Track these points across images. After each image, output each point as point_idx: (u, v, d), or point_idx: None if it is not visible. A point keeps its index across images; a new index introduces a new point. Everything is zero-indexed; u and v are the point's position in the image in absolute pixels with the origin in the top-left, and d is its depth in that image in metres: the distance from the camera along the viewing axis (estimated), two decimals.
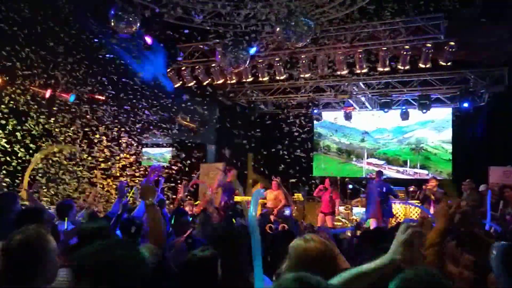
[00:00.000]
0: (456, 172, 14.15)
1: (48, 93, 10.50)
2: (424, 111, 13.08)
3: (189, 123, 13.61)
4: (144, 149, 16.72)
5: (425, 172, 15.14)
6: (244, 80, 11.97)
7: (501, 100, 12.32)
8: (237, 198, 11.24)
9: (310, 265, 1.83)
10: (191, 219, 5.49)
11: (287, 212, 10.30)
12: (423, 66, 10.42)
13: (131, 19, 8.24)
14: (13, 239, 2.15)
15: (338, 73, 11.12)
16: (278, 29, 8.49)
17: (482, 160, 12.45)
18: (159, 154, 16.99)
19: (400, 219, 12.00)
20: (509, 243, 2.49)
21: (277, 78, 11.73)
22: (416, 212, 11.93)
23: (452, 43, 9.79)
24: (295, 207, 12.37)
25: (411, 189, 12.68)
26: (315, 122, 15.82)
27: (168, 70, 11.86)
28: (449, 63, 10.30)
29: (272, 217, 9.10)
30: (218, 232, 3.24)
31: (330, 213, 11.30)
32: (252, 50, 10.19)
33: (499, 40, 10.15)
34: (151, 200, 3.10)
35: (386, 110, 13.49)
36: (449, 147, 14.95)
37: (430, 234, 2.44)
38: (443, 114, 14.79)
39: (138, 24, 8.50)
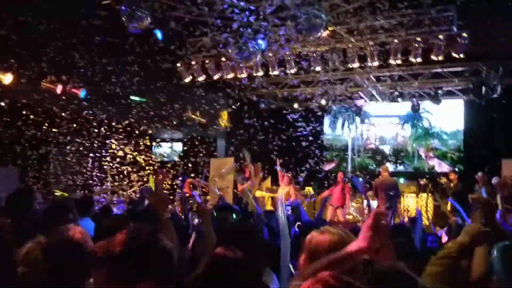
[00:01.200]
0: (468, 165, 14.06)
1: (59, 89, 10.55)
2: (436, 103, 12.99)
3: (199, 118, 13.62)
4: (155, 144, 16.84)
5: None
6: (254, 74, 11.92)
7: None
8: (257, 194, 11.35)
9: (323, 256, 1.80)
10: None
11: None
12: (435, 58, 10.31)
13: (142, 14, 8.24)
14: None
15: (350, 66, 11.04)
16: (289, 22, 8.44)
17: (494, 152, 12.35)
18: (169, 148, 17.10)
19: (411, 213, 11.97)
20: (509, 243, 2.46)
21: (288, 71, 11.66)
22: (429, 204, 11.86)
23: (465, 35, 9.68)
24: (306, 202, 12.39)
25: (422, 182, 12.61)
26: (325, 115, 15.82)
27: (178, 65, 11.87)
28: (461, 55, 10.19)
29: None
30: (236, 228, 3.22)
31: (341, 207, 11.31)
32: (263, 44, 10.14)
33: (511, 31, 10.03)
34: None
35: (397, 102, 13.42)
36: (461, 137, 14.91)
37: (449, 244, 2.27)
38: (454, 105, 14.67)
39: (149, 20, 8.50)
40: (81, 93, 10.88)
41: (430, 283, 2.04)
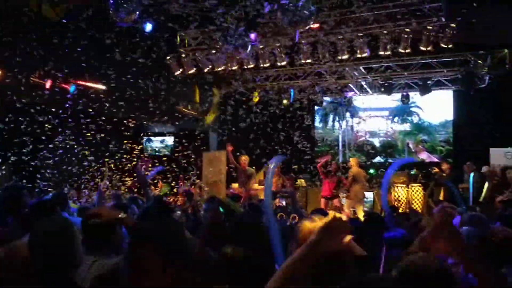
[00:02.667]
0: (457, 154, 14.20)
1: (48, 84, 10.49)
2: (425, 94, 13.10)
3: (191, 111, 13.61)
4: (145, 138, 16.79)
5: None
6: (245, 67, 11.92)
7: (502, 82, 12.31)
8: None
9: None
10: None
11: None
12: (424, 49, 10.38)
13: (131, 7, 8.19)
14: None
15: (339, 57, 11.08)
16: (279, 14, 8.45)
17: (483, 142, 12.48)
18: (160, 142, 17.05)
19: (402, 203, 12.10)
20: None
21: (278, 64, 11.68)
22: (419, 196, 11.99)
23: (453, 25, 9.76)
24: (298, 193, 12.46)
25: (413, 172, 12.73)
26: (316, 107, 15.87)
27: (168, 57, 11.84)
28: (450, 46, 10.26)
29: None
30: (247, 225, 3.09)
31: (334, 197, 11.41)
32: (253, 36, 10.14)
33: (500, 22, 10.12)
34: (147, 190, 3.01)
35: (387, 93, 13.49)
36: (450, 128, 15.05)
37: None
38: (444, 96, 14.79)
39: (138, 13, 8.46)
40: (71, 88, 10.83)
41: None
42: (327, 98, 16.23)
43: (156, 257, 1.64)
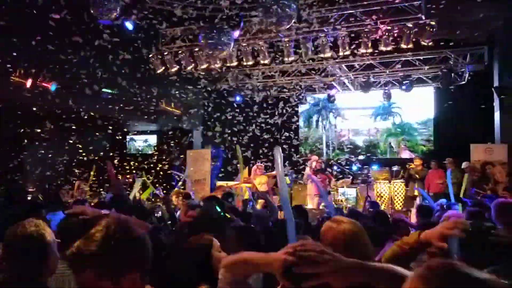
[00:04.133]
0: (438, 150, 14.41)
1: (29, 83, 10.35)
2: (406, 91, 13.28)
3: (174, 109, 13.57)
4: (128, 137, 16.69)
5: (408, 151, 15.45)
6: (228, 65, 11.94)
7: (481, 78, 12.54)
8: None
9: (345, 248, 1.81)
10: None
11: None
12: (404, 46, 10.51)
13: (112, 5, 8.15)
14: (13, 233, 2.14)
15: (322, 55, 11.15)
16: (261, 12, 8.48)
17: (463, 138, 12.69)
18: (144, 141, 16.98)
19: (385, 199, 12.24)
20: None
21: (261, 62, 11.72)
22: (402, 190, 12.14)
23: (433, 23, 9.90)
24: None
25: (395, 168, 12.88)
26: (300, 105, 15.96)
27: (151, 55, 11.79)
28: (430, 43, 10.41)
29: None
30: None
31: (319, 195, 11.54)
32: (236, 34, 10.16)
33: (479, 19, 10.30)
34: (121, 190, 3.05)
35: (368, 91, 13.63)
36: (431, 126, 15.25)
37: (413, 233, 2.12)
38: (425, 94, 14.98)
39: (119, 10, 8.41)
40: (52, 86, 10.70)
41: (384, 263, 2.02)
42: (310, 99, 16.36)
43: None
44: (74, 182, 11.43)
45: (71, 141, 11.26)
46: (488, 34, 11.56)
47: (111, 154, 12.82)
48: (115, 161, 12.83)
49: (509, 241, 2.11)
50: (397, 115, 15.90)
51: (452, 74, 12.50)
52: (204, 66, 11.90)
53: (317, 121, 16.72)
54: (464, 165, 11.38)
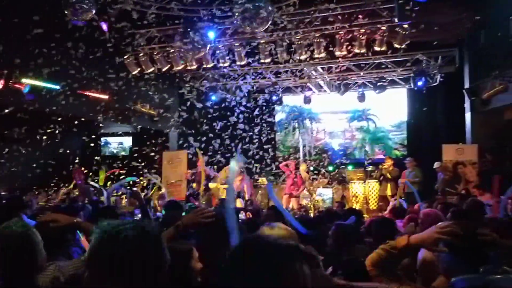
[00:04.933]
0: (411, 151, 14.68)
1: (1, 84, 10.11)
2: (380, 92, 13.51)
3: (149, 110, 13.46)
4: (103, 138, 16.48)
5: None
6: (204, 66, 11.92)
7: (452, 80, 12.85)
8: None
9: None
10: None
11: None
12: (378, 49, 10.70)
13: (86, 6, 8.05)
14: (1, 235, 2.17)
15: (297, 57, 11.25)
16: (237, 14, 8.50)
17: (435, 138, 12.98)
18: (118, 143, 16.78)
19: (360, 199, 12.41)
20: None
21: (238, 63, 11.75)
22: (376, 190, 12.31)
23: (406, 26, 10.10)
24: (260, 191, 12.64)
25: (369, 168, 13.07)
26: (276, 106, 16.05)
27: (126, 56, 11.69)
28: (403, 46, 10.62)
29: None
30: None
31: (295, 195, 11.63)
32: (212, 36, 10.16)
33: (449, 22, 10.56)
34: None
35: (343, 93, 13.81)
36: (404, 127, 15.51)
37: (400, 238, 2.13)
38: (398, 95, 15.23)
39: (94, 11, 8.32)
40: (25, 88, 10.47)
41: (368, 266, 2.12)
42: (286, 102, 16.44)
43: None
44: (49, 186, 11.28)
45: (43, 144, 11.04)
46: (459, 37, 11.85)
47: (77, 158, 12.64)
48: (89, 163, 12.68)
49: (494, 240, 2.15)
50: (372, 121, 16.11)
51: (424, 76, 12.78)
52: (180, 67, 11.86)
53: (294, 127, 16.84)
54: (436, 165, 11.63)
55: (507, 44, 9.88)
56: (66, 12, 7.94)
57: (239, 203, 10.31)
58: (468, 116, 12.34)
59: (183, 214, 4.31)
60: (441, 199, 8.41)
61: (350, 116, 16.20)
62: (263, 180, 13.35)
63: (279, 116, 16.94)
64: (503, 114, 11.67)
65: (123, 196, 10.69)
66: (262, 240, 1.31)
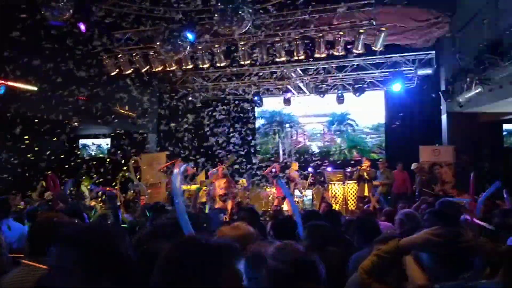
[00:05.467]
0: (389, 154, 14.86)
1: None
2: (358, 94, 13.65)
3: (128, 112, 13.32)
4: (81, 141, 16.25)
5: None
6: (184, 67, 11.87)
7: (429, 82, 13.07)
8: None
9: None
10: None
11: None
12: (356, 51, 10.81)
13: (63, 6, 7.93)
14: None
15: (277, 59, 11.30)
16: (216, 16, 8.49)
17: (412, 140, 13.17)
18: (96, 145, 16.58)
19: (339, 200, 12.51)
20: None
21: (218, 65, 11.72)
22: (355, 191, 12.42)
23: (384, 29, 10.23)
24: (240, 193, 12.62)
25: (348, 170, 13.19)
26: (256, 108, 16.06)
27: (104, 57, 11.55)
28: (381, 48, 10.75)
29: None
30: None
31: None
32: (191, 37, 10.11)
33: (427, 26, 10.76)
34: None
35: (322, 95, 13.91)
36: (382, 130, 15.68)
37: (390, 243, 2.14)
38: (376, 98, 15.40)
39: (71, 11, 8.20)
40: (0, 89, 10.27)
41: (362, 275, 2.13)
42: (266, 104, 16.47)
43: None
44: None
45: (21, 146, 10.84)
46: (435, 40, 12.07)
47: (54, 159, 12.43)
48: (67, 166, 12.50)
49: (476, 246, 2.18)
50: (351, 126, 16.26)
51: (402, 78, 12.97)
52: (159, 68, 11.79)
53: (274, 131, 16.90)
54: (413, 166, 11.81)
55: (481, 47, 10.10)
56: (43, 12, 7.80)
57: (219, 204, 10.34)
58: (444, 118, 12.57)
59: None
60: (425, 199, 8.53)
61: (329, 120, 16.34)
62: (243, 181, 13.34)
63: (259, 121, 16.99)
64: (479, 116, 11.92)
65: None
66: (198, 240, 1.31)
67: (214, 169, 11.90)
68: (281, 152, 16.37)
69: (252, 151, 15.10)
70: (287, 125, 16.59)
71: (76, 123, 12.29)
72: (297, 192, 13.03)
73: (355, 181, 12.41)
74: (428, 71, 12.98)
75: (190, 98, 14.68)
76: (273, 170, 12.39)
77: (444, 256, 2.05)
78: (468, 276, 1.72)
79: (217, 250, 1.25)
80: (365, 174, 11.99)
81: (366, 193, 11.76)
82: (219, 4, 8.41)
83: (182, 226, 2.24)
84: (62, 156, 13.18)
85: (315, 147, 16.68)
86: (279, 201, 11.67)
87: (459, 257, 2.07)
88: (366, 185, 11.90)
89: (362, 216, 5.88)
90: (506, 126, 12.87)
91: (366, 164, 12.24)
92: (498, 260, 2.08)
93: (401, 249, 2.03)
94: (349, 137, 16.31)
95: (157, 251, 2.35)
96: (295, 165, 12.74)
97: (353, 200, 12.45)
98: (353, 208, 12.08)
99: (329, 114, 16.25)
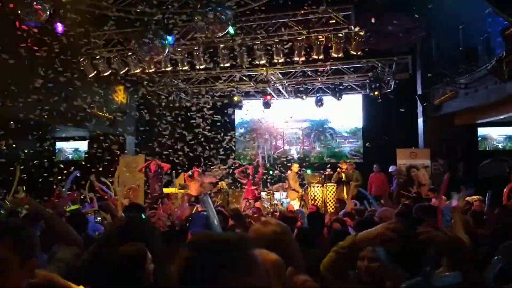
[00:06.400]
0: (367, 155, 15.03)
1: None
2: (338, 98, 13.79)
3: (105, 114, 13.16)
4: (58, 143, 15.98)
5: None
6: (163, 69, 11.80)
7: (405, 86, 13.28)
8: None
9: (267, 246, 1.85)
10: None
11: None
12: (335, 55, 10.92)
13: (40, 6, 7.83)
14: None
15: (257, 62, 11.33)
16: (196, 18, 8.49)
17: (390, 143, 13.35)
18: (73, 148, 16.32)
19: (318, 202, 12.57)
20: None
21: (197, 67, 11.70)
22: (333, 193, 12.51)
23: (362, 33, 10.38)
24: (220, 195, 12.63)
25: (327, 172, 13.27)
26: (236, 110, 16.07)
27: (81, 59, 11.40)
28: (359, 52, 10.89)
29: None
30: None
31: (258, 199, 11.73)
32: (170, 39, 10.08)
33: (403, 30, 10.94)
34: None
35: (302, 98, 14.01)
36: (360, 134, 15.84)
37: (347, 237, 2.14)
38: (354, 102, 15.56)
39: (48, 13, 8.11)
40: None
41: (323, 272, 2.10)
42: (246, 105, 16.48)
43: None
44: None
45: None
46: (411, 45, 12.28)
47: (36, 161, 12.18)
48: (43, 169, 12.25)
49: (431, 237, 2.18)
50: (329, 134, 16.38)
51: (379, 82, 13.15)
52: (138, 70, 11.70)
53: (253, 138, 16.95)
54: (391, 169, 11.98)
55: (457, 52, 10.33)
56: (19, 13, 7.68)
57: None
58: (420, 121, 12.79)
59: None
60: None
61: (308, 125, 16.44)
62: (222, 184, 13.32)
63: (238, 128, 17.05)
64: (454, 119, 12.16)
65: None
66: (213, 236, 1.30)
67: (190, 171, 11.89)
68: (260, 157, 16.42)
69: (232, 155, 15.08)
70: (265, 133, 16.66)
71: (53, 125, 12.08)
72: (277, 195, 13.10)
73: (334, 183, 12.50)
74: (405, 75, 13.19)
75: (169, 100, 14.58)
76: (247, 170, 12.32)
77: (397, 252, 2.06)
78: (427, 272, 1.73)
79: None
80: (343, 176, 12.12)
81: (345, 195, 11.85)
82: (198, 7, 8.42)
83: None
84: (36, 161, 12.92)
85: (294, 151, 16.75)
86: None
87: (414, 251, 2.08)
88: (344, 187, 12.01)
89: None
90: (480, 130, 13.16)
91: (344, 166, 12.36)
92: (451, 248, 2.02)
93: (358, 243, 2.01)
94: (328, 143, 16.42)
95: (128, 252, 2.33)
96: (295, 167, 12.78)
97: (332, 202, 12.53)
98: (332, 210, 12.16)
99: (308, 120, 16.34)
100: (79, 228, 3.43)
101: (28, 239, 1.75)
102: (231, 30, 9.67)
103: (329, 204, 12.57)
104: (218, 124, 14.08)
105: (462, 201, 4.85)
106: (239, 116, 16.69)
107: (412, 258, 2.04)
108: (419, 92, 12.60)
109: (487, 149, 13.10)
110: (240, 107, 15.34)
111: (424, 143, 12.60)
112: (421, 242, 2.02)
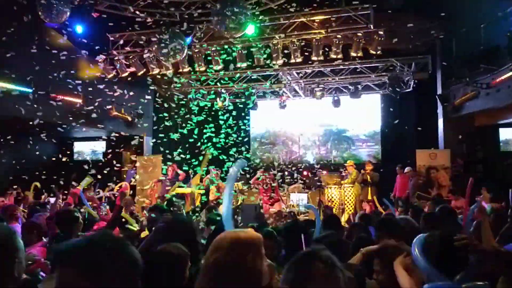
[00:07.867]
0: (386, 156, 14.87)
1: None
2: (355, 98, 13.65)
3: (124, 115, 13.24)
4: (75, 144, 16.13)
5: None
6: (180, 70, 11.82)
7: (425, 86, 13.09)
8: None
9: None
10: None
11: None
12: (354, 54, 10.81)
13: (60, 8, 7.88)
14: None
15: (274, 62, 11.27)
16: (215, 19, 8.47)
17: (408, 144, 13.18)
18: (91, 149, 16.46)
19: (336, 203, 12.46)
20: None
21: (214, 68, 11.69)
22: (351, 194, 12.38)
23: (381, 33, 10.25)
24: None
25: (344, 174, 13.15)
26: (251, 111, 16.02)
27: (100, 60, 11.47)
28: (378, 52, 10.77)
29: None
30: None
31: (277, 201, 11.73)
32: (188, 40, 10.09)
33: (423, 29, 10.80)
34: None
35: (318, 98, 13.90)
36: (378, 137, 15.65)
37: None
38: (372, 101, 15.40)
39: (68, 13, 8.15)
40: None
41: None
42: (262, 106, 16.44)
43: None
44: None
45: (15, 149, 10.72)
46: (431, 44, 12.11)
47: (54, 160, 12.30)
48: (62, 169, 12.36)
49: (470, 244, 2.13)
50: (347, 143, 16.25)
51: (398, 82, 12.98)
52: (156, 71, 11.74)
53: (270, 142, 16.92)
54: (406, 170, 11.82)
55: (478, 52, 10.15)
56: (40, 14, 7.74)
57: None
58: (440, 122, 12.60)
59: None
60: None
61: (325, 133, 16.33)
62: (238, 184, 13.29)
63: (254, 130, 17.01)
64: (474, 120, 11.96)
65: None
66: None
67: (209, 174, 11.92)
68: (275, 164, 16.35)
69: (247, 157, 15.03)
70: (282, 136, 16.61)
71: (72, 126, 12.17)
72: (293, 196, 13.00)
73: (352, 185, 12.38)
74: (424, 75, 13.01)
75: (186, 101, 14.61)
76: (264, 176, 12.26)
77: (437, 256, 2.04)
78: (462, 276, 1.69)
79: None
80: (368, 177, 11.99)
81: (369, 197, 11.73)
82: (217, 7, 8.40)
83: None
84: (54, 159, 13.03)
85: (310, 155, 16.65)
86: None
87: (452, 258, 2.05)
88: (369, 189, 11.89)
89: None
90: (502, 132, 12.92)
91: (369, 167, 12.23)
92: (494, 261, 1.98)
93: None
94: (344, 152, 16.29)
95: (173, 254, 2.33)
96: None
97: (350, 203, 12.42)
98: (350, 212, 12.05)
99: (325, 124, 16.24)
100: None
101: None
102: (251, 29, 9.67)
103: (347, 206, 12.45)
104: (233, 124, 14.07)
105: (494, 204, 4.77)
106: (254, 117, 16.67)
107: (451, 263, 1.99)
108: (439, 92, 12.42)
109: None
110: (255, 108, 15.32)
111: (444, 144, 12.41)
112: (458, 248, 1.97)
